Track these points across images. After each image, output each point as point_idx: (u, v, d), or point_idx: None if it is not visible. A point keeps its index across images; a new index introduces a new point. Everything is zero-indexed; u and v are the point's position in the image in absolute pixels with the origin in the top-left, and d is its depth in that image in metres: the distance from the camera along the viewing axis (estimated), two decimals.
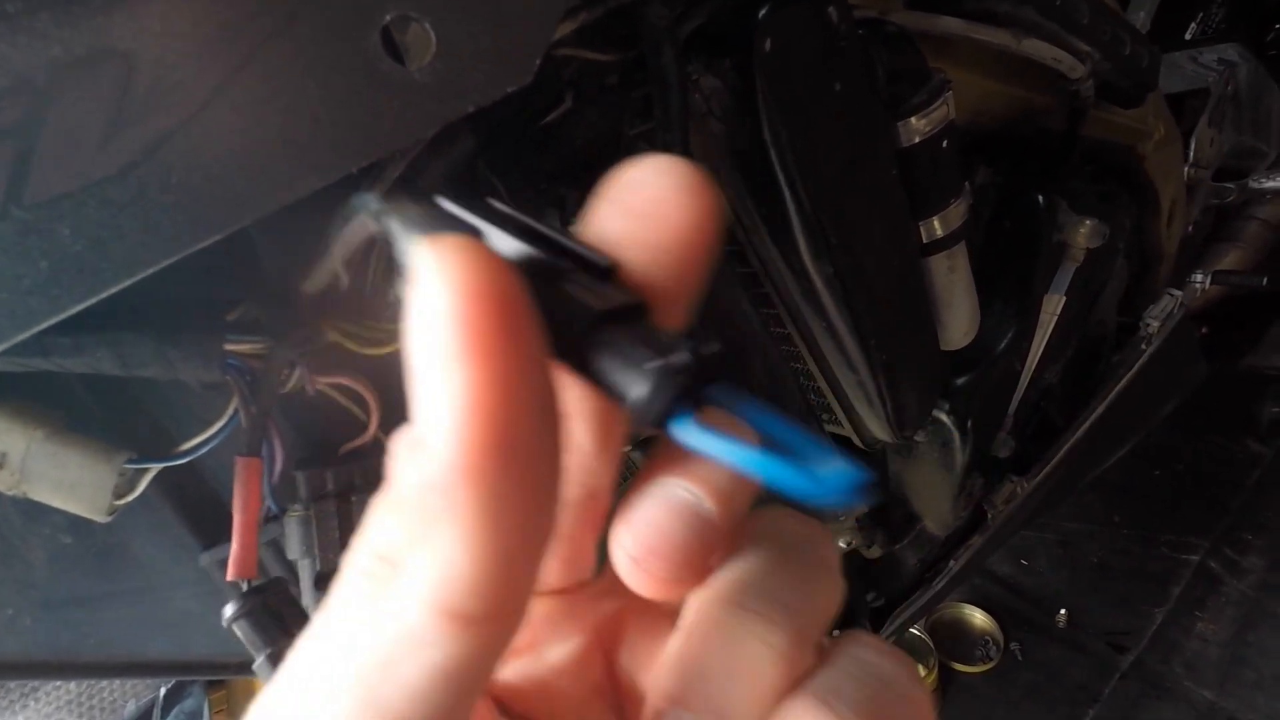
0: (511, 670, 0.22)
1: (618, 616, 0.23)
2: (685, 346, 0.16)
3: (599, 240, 0.18)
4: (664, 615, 0.22)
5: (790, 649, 0.18)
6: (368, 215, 0.20)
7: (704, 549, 0.19)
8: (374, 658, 0.15)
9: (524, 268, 0.16)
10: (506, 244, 0.18)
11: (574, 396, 0.19)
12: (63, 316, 0.30)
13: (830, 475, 0.15)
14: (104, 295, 0.30)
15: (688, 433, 0.16)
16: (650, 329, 0.17)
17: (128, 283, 0.31)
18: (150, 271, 0.31)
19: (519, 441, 0.14)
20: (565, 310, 0.17)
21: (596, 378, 0.17)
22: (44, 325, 0.30)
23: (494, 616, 0.15)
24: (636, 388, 0.16)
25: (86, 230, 0.29)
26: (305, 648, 0.17)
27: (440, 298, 0.14)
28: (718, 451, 0.16)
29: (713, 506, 0.19)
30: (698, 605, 0.19)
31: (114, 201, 0.30)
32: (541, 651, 0.22)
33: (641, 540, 0.19)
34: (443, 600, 0.14)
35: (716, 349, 0.17)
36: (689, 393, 0.16)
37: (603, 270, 0.18)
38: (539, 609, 0.23)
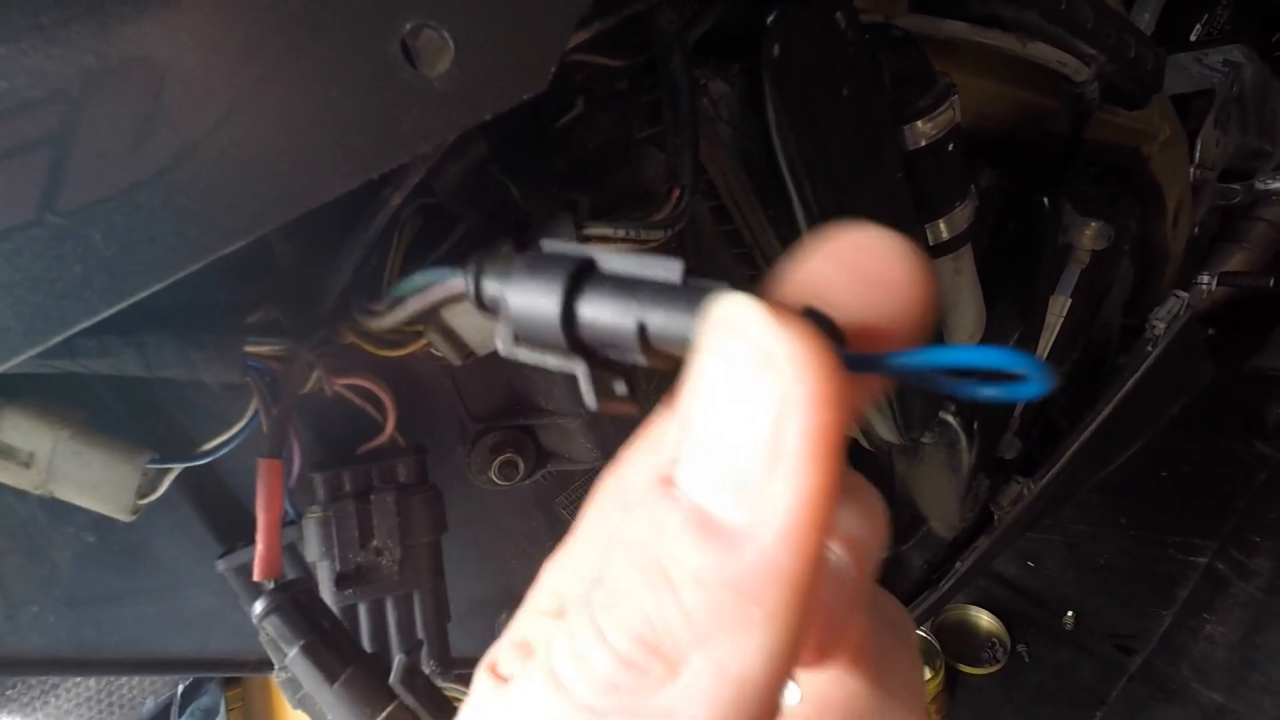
0: None
1: None
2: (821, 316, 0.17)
3: (806, 285, 0.17)
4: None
5: None
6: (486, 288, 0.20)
7: (846, 612, 0.19)
8: None
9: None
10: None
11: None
12: (95, 320, 0.31)
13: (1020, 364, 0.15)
14: (134, 299, 0.31)
15: (902, 359, 0.16)
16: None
17: (157, 287, 0.31)
18: (179, 275, 0.32)
19: (821, 556, 0.14)
20: None
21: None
22: (77, 329, 0.31)
23: None
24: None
25: (118, 235, 0.30)
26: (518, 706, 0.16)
27: (792, 395, 0.13)
28: (935, 360, 0.15)
29: (852, 565, 0.18)
30: (849, 691, 0.19)
31: (145, 207, 0.30)
32: None
33: None
34: (726, 711, 0.14)
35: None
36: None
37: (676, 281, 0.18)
38: None
